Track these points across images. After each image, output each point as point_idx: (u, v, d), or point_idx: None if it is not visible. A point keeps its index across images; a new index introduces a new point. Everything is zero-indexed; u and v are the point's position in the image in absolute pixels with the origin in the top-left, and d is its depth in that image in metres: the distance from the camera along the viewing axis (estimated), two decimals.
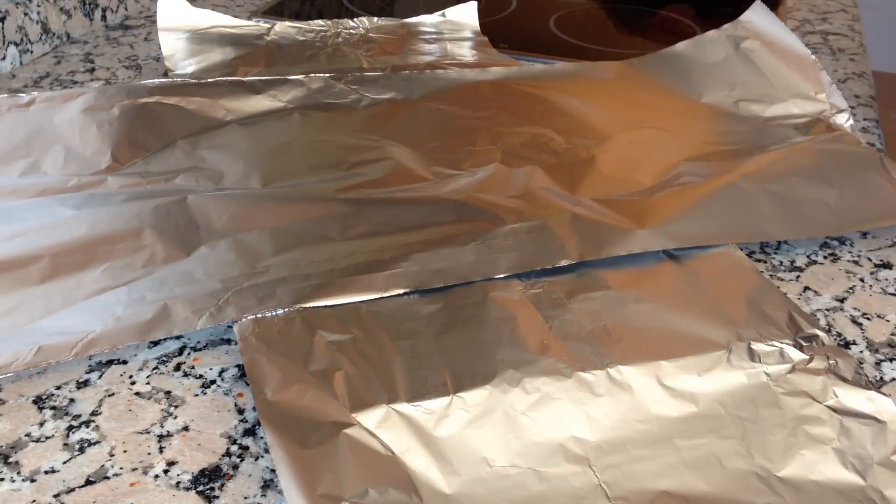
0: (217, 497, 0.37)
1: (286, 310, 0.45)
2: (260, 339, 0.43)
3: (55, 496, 0.36)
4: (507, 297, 0.47)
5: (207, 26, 0.77)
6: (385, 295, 0.47)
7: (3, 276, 0.47)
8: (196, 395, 0.42)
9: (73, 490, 0.37)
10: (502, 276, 0.49)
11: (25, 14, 0.76)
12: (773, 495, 0.37)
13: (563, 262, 0.50)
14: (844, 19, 0.99)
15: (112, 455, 0.39)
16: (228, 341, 0.46)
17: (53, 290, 0.46)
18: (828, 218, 0.55)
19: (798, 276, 0.53)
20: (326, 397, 0.40)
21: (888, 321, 0.50)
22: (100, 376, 0.43)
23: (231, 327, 0.46)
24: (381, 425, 0.38)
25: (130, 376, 0.43)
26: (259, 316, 0.45)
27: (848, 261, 0.55)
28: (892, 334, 0.48)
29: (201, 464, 0.38)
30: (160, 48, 0.79)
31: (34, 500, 0.36)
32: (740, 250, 0.53)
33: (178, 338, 0.46)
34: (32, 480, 0.37)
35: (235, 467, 0.38)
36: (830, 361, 0.43)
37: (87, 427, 0.40)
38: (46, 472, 0.38)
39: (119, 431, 0.40)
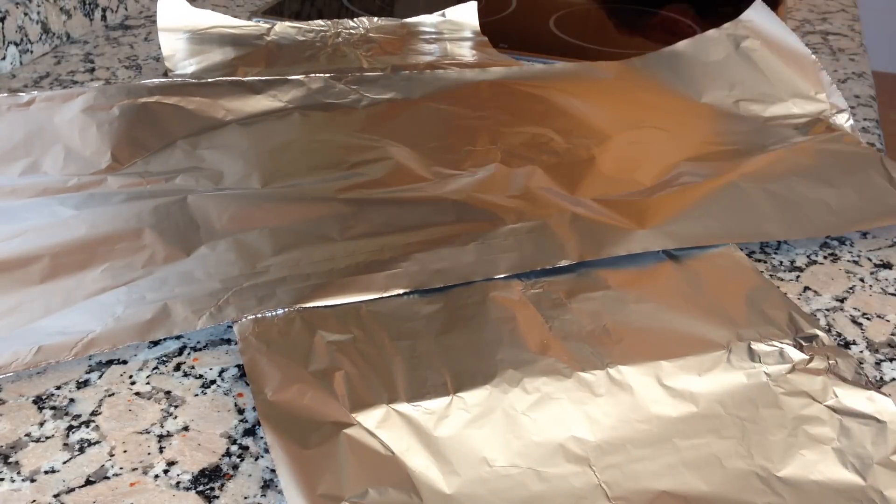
0: (217, 497, 0.37)
1: (286, 310, 0.45)
2: (260, 339, 0.43)
3: (55, 496, 0.36)
4: (507, 297, 0.47)
5: (207, 26, 0.77)
6: (385, 295, 0.47)
7: (3, 276, 0.47)
8: (196, 395, 0.42)
9: (73, 490, 0.37)
10: (502, 276, 0.49)
11: (25, 14, 0.76)
12: (773, 495, 0.37)
13: (563, 262, 0.50)
14: (844, 19, 0.99)
15: (112, 455, 0.39)
16: (228, 341, 0.46)
17: (53, 290, 0.46)
18: (828, 218, 0.55)
19: (798, 276, 0.53)
20: (326, 397, 0.40)
21: (888, 321, 0.50)
22: (100, 376, 0.43)
23: (231, 327, 0.46)
24: (381, 425, 0.38)
25: (130, 376, 0.43)
26: (259, 316, 0.45)
27: (848, 261, 0.55)
28: (892, 334, 0.48)
29: (201, 464, 0.38)
30: (160, 48, 0.79)
31: (34, 500, 0.36)
32: (740, 250, 0.53)
33: (178, 338, 0.46)
34: (32, 480, 0.37)
35: (235, 467, 0.38)
36: (830, 361, 0.43)
37: (87, 427, 0.40)
38: (46, 472, 0.38)
39: (119, 431, 0.40)
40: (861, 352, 0.47)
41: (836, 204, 0.56)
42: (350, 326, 0.45)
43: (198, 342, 0.46)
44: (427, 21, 0.84)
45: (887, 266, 0.55)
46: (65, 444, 0.39)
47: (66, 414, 0.41)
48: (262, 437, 0.40)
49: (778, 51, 0.71)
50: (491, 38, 0.83)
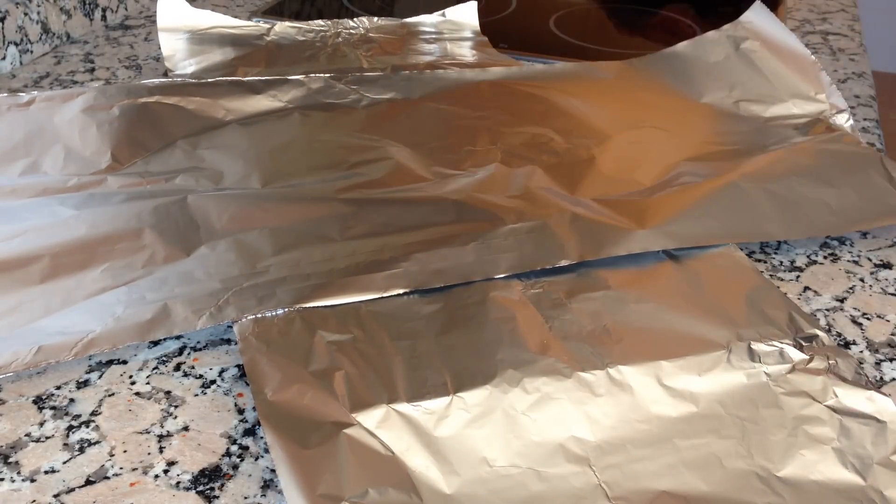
0: (217, 497, 0.37)
1: (286, 310, 0.45)
2: (260, 339, 0.43)
3: (55, 496, 0.36)
4: (507, 297, 0.47)
5: (207, 26, 0.77)
6: (385, 295, 0.47)
7: (3, 276, 0.47)
8: (196, 395, 0.42)
9: (73, 490, 0.37)
10: (502, 276, 0.49)
11: (25, 14, 0.76)
12: (773, 495, 0.37)
13: (563, 262, 0.50)
14: (844, 19, 0.99)
15: (112, 455, 0.39)
16: (228, 341, 0.46)
17: (53, 290, 0.46)
18: (828, 218, 0.55)
19: (798, 276, 0.53)
20: (326, 397, 0.40)
21: (888, 321, 0.50)
22: (100, 376, 0.43)
23: (231, 327, 0.46)
24: (381, 425, 0.38)
25: (130, 376, 0.43)
26: (259, 316, 0.45)
27: (848, 261, 0.55)
28: (892, 334, 0.48)
29: (201, 464, 0.38)
30: (160, 48, 0.79)
31: (34, 500, 0.36)
32: (740, 250, 0.53)
33: (178, 338, 0.46)
34: (32, 480, 0.37)
35: (235, 467, 0.38)
36: (830, 361, 0.43)
37: (87, 427, 0.40)
38: (46, 472, 0.38)
39: (119, 431, 0.40)
40: (861, 352, 0.47)
41: (836, 204, 0.56)
42: (350, 326, 0.45)
43: (198, 342, 0.46)
44: (427, 21, 0.84)
45: (887, 266, 0.55)
46: (65, 444, 0.39)
47: (66, 414, 0.41)
48: (262, 437, 0.40)
49: (777, 52, 0.71)
50: (491, 38, 0.83)
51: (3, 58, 0.74)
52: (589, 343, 0.44)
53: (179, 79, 0.66)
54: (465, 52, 0.79)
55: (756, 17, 0.74)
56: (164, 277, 0.47)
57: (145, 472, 0.38)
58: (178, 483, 0.37)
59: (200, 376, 0.43)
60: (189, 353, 0.45)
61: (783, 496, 0.37)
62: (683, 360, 0.43)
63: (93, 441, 0.39)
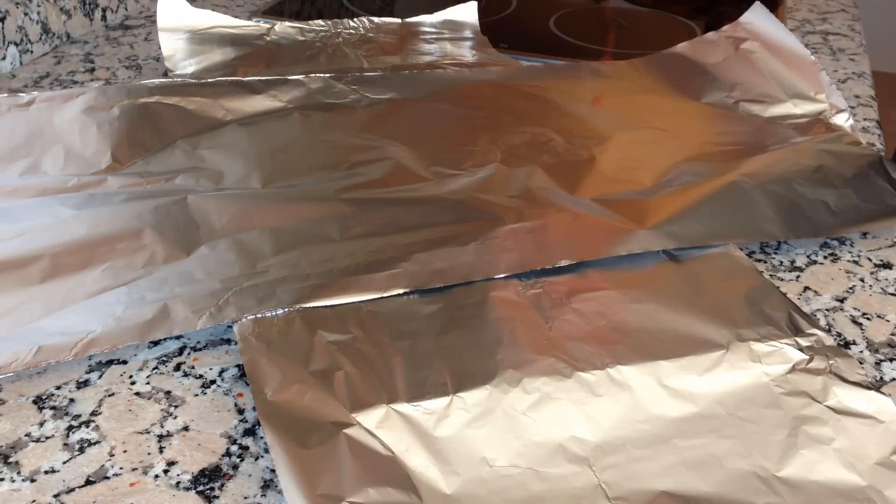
0: (217, 497, 0.37)
1: (286, 310, 0.45)
2: (260, 339, 0.43)
3: (55, 496, 0.36)
4: (506, 297, 0.47)
5: (207, 26, 0.77)
6: (385, 295, 0.47)
7: (3, 276, 0.47)
8: (196, 395, 0.42)
9: (73, 490, 0.37)
10: (502, 276, 0.49)
11: (25, 14, 0.76)
12: (773, 495, 0.37)
13: (563, 262, 0.50)
14: (844, 19, 0.99)
15: (112, 455, 0.39)
16: (228, 341, 0.46)
17: (53, 290, 0.46)
18: (828, 218, 0.55)
19: (798, 276, 0.53)
20: (326, 397, 0.40)
21: (888, 321, 0.50)
22: (100, 376, 0.43)
23: (231, 327, 0.46)
24: (381, 425, 0.38)
25: (130, 376, 0.43)
26: (259, 316, 0.45)
27: (848, 261, 0.55)
28: (892, 334, 0.48)
29: (201, 464, 0.38)
30: (160, 48, 0.79)
31: (34, 500, 0.36)
32: (740, 250, 0.53)
33: (178, 338, 0.46)
34: (32, 480, 0.37)
35: (235, 467, 0.38)
36: (830, 361, 0.43)
37: (87, 427, 0.40)
38: (46, 472, 0.38)
39: (119, 431, 0.40)
40: (861, 352, 0.47)
41: (836, 204, 0.56)
42: (350, 326, 0.45)
43: (198, 342, 0.46)
44: (427, 21, 0.84)
45: (887, 266, 0.55)
46: (65, 444, 0.39)
47: (66, 414, 0.41)
48: (262, 437, 0.40)
49: (777, 52, 0.72)
50: (491, 38, 0.83)
51: (3, 58, 0.74)
52: (589, 343, 0.44)
53: (179, 79, 0.66)
54: (465, 52, 0.79)
55: (756, 17, 0.74)
56: (165, 277, 0.47)
57: (145, 472, 0.38)
58: (178, 483, 0.37)
59: (200, 376, 0.43)
60: (189, 353, 0.45)
61: (783, 496, 0.37)
62: (683, 360, 0.43)
63: (93, 441, 0.39)
